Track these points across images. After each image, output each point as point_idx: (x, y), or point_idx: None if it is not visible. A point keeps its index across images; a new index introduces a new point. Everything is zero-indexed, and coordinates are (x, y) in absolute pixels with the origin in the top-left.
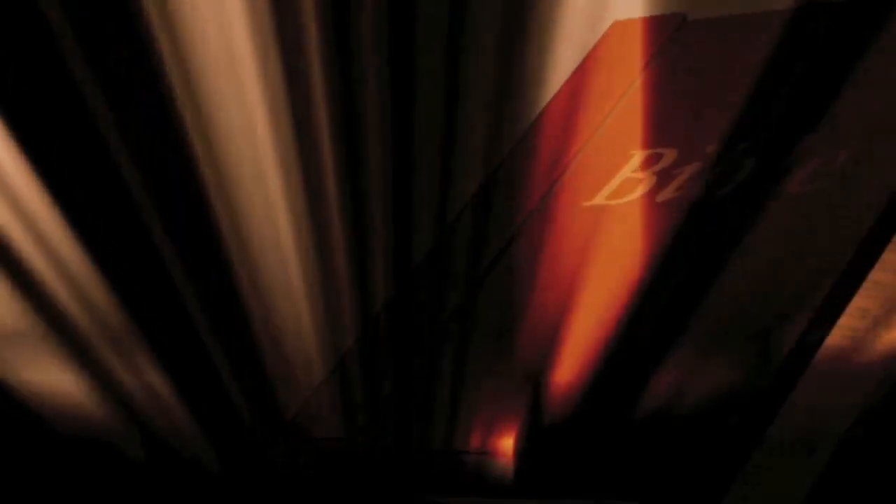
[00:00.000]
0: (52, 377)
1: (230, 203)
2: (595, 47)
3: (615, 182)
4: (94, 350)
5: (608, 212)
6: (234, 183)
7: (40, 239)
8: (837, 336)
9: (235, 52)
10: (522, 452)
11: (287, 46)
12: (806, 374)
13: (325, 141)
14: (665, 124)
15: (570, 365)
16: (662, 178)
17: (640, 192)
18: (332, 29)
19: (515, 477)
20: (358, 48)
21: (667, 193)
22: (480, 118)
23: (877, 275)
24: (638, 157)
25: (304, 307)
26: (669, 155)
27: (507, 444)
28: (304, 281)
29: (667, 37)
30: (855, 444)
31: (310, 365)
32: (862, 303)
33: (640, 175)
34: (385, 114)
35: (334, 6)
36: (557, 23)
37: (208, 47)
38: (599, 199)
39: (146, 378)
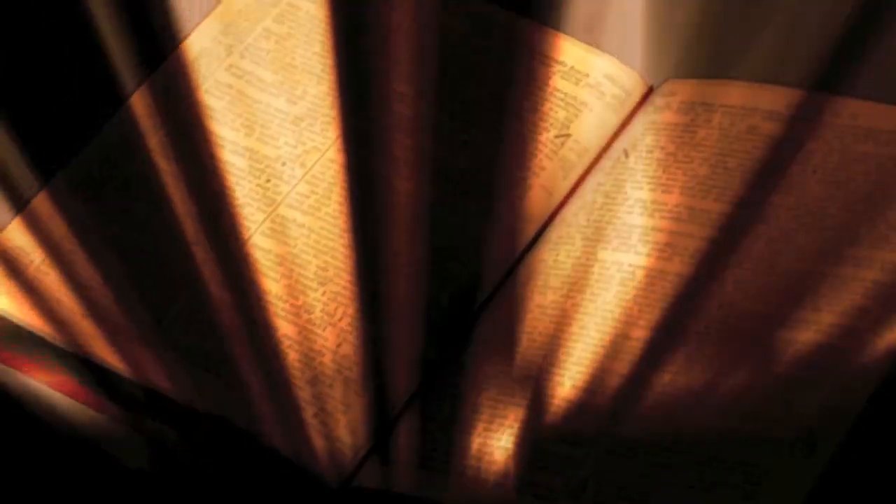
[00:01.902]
0: (51, 377)
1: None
2: None
3: None
4: (95, 350)
5: None
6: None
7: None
8: (837, 336)
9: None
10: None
11: None
12: (806, 374)
13: None
14: None
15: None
16: None
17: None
18: None
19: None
20: None
21: None
22: None
23: (877, 275)
24: None
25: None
26: None
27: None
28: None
29: None
30: (855, 444)
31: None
32: (862, 303)
33: None
34: None
35: None
36: None
37: None
38: None
39: (146, 378)
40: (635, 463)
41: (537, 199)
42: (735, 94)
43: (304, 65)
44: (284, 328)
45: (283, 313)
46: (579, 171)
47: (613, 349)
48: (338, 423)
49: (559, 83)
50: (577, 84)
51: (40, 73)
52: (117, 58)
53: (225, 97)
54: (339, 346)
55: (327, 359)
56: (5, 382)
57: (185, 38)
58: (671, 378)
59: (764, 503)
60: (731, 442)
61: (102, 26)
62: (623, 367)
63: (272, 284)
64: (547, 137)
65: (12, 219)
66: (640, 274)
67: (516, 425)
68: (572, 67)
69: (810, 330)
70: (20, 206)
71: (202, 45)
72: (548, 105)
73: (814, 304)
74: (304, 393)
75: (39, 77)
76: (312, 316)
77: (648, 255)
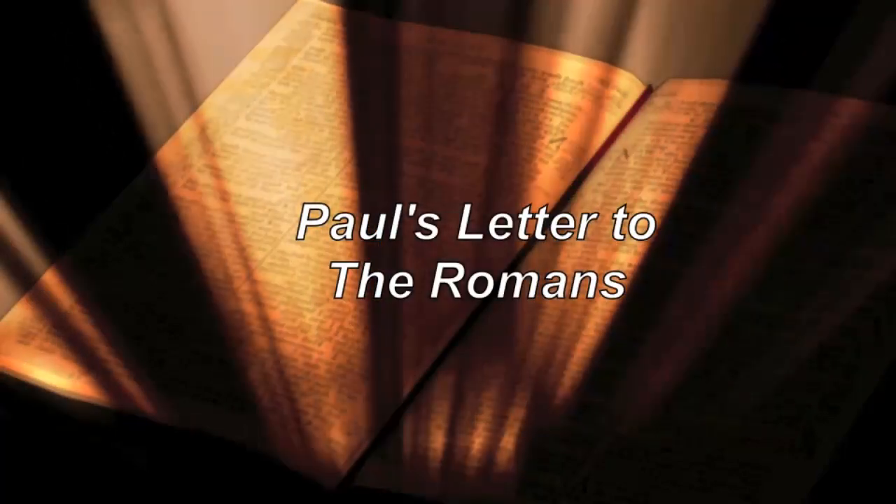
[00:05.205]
0: (51, 377)
1: None
2: None
3: None
4: (94, 350)
5: None
6: None
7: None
8: (838, 337)
9: None
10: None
11: None
12: (806, 374)
13: None
14: None
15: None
16: None
17: None
18: None
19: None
20: None
21: None
22: None
23: (877, 275)
24: None
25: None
26: None
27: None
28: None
29: None
30: (855, 444)
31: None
32: (862, 303)
33: None
34: None
35: None
36: None
37: None
38: None
39: (145, 378)
40: (635, 463)
41: (534, 200)
42: (734, 93)
43: (307, 117)
44: (281, 349)
45: (279, 336)
46: (577, 170)
47: (613, 349)
48: (332, 427)
49: (553, 94)
50: (570, 92)
51: (57, 139)
52: (132, 128)
53: (231, 157)
54: (334, 357)
55: (322, 370)
56: (6, 382)
57: (195, 110)
58: (671, 378)
59: (764, 503)
60: (731, 442)
61: (113, 107)
62: (623, 367)
63: (270, 311)
64: (542, 143)
65: (21, 295)
66: (639, 274)
67: (516, 425)
68: (567, 78)
69: (811, 330)
70: (29, 282)
71: (210, 115)
72: (542, 115)
73: (814, 304)
74: (299, 404)
75: (56, 146)
76: (308, 334)
77: (648, 254)
